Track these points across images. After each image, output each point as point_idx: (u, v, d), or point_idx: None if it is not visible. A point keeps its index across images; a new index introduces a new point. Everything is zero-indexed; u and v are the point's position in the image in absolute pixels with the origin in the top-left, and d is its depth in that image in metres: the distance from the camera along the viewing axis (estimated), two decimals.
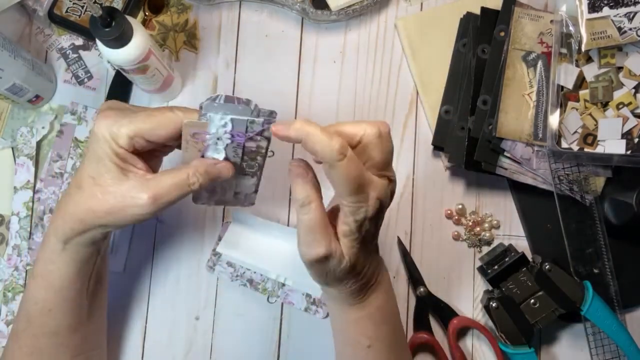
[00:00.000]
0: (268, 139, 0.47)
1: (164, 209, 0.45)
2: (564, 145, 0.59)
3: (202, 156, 0.47)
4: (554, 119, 0.58)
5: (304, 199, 0.43)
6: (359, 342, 0.50)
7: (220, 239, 0.63)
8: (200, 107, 0.45)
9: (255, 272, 0.63)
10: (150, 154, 0.49)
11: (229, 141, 0.46)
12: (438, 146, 0.64)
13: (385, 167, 0.44)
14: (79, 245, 0.48)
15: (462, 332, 0.64)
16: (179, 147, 0.47)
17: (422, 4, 0.68)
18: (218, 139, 0.46)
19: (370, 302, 0.49)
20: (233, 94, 0.67)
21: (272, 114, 0.46)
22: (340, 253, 0.44)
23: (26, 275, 0.63)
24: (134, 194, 0.44)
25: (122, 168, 0.45)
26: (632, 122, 0.58)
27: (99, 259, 0.52)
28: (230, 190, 0.51)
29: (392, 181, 0.45)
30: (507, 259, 0.61)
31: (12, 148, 0.65)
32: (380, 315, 0.50)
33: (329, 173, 0.41)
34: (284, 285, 0.62)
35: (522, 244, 0.65)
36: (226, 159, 0.47)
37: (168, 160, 0.52)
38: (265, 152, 0.48)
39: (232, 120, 0.45)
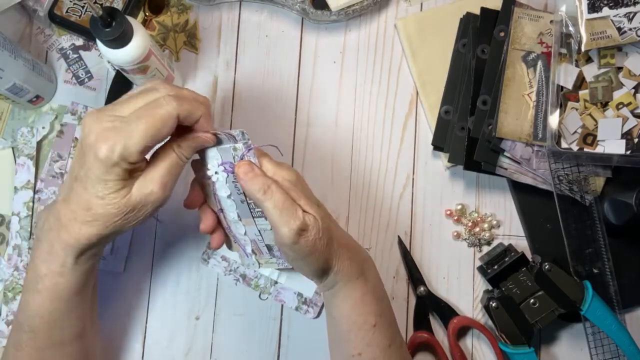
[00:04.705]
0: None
1: (173, 188, 0.48)
2: (564, 145, 0.59)
3: (215, 194, 0.51)
4: (553, 119, 0.58)
5: (262, 186, 0.46)
6: (365, 322, 0.51)
7: None
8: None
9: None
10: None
11: (225, 174, 0.49)
12: (438, 146, 0.64)
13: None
14: (90, 256, 0.48)
15: (462, 331, 0.64)
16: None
17: (422, 4, 0.68)
18: (216, 172, 0.49)
19: (368, 275, 0.52)
20: (233, 94, 0.67)
21: (243, 134, 0.46)
22: (312, 218, 0.47)
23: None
24: (144, 191, 0.45)
25: (127, 180, 0.45)
26: (632, 122, 0.58)
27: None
28: (258, 242, 0.53)
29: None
30: (507, 259, 0.61)
31: (13, 148, 0.65)
32: (378, 289, 0.53)
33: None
34: (276, 282, 0.63)
35: (522, 244, 0.65)
36: (229, 196, 0.50)
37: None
38: None
39: (218, 150, 0.48)
